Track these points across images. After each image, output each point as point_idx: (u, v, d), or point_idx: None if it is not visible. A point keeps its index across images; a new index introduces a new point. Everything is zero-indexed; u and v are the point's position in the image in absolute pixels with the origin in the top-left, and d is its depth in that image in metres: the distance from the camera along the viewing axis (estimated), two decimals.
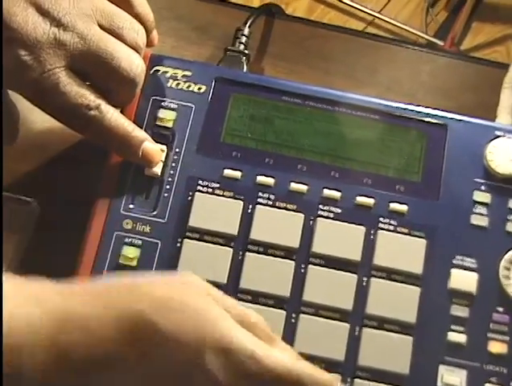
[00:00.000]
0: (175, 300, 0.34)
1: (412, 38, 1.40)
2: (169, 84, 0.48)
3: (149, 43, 0.48)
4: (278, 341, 0.37)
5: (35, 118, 0.50)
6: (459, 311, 0.44)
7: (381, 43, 0.60)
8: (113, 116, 0.44)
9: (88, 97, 0.43)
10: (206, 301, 0.35)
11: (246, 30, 0.54)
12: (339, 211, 0.46)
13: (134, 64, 0.44)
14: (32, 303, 0.32)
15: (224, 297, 0.37)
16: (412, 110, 0.49)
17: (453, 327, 0.44)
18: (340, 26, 0.61)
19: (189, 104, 0.48)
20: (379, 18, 1.43)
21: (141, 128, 0.46)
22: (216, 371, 0.33)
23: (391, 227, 0.46)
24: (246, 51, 0.53)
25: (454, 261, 0.45)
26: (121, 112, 0.47)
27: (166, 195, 0.46)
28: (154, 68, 0.49)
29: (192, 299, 0.35)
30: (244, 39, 0.54)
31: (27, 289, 0.33)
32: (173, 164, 0.47)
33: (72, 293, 0.34)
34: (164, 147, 0.47)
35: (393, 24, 1.41)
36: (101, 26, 0.43)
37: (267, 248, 0.45)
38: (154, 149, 0.46)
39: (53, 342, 0.32)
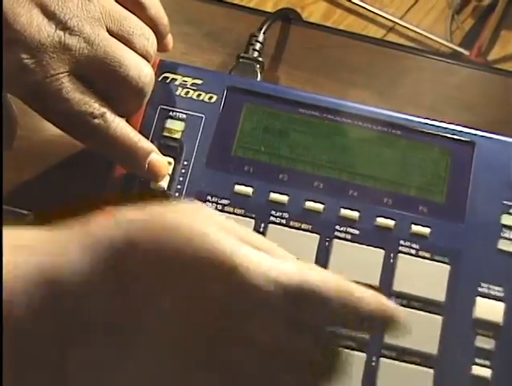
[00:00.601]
0: (168, 222, 0.32)
1: (435, 46, 1.40)
2: (178, 93, 0.49)
3: (163, 48, 0.49)
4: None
5: (35, 125, 0.51)
6: (484, 343, 0.44)
7: (403, 52, 0.61)
8: (118, 125, 0.44)
9: (93, 105, 0.43)
10: (203, 222, 0.33)
11: (261, 37, 0.55)
12: (357, 232, 0.46)
13: (142, 73, 0.44)
14: (24, 251, 0.31)
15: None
16: (436, 126, 0.49)
17: (478, 360, 0.44)
18: (361, 34, 0.61)
19: (199, 115, 0.49)
20: (400, 24, 1.43)
21: (147, 139, 0.47)
22: (220, 293, 0.31)
23: (412, 251, 0.46)
24: (260, 59, 0.54)
25: (479, 289, 0.45)
26: (127, 121, 0.47)
27: None
28: (163, 75, 0.50)
29: (187, 219, 0.32)
30: (258, 46, 0.55)
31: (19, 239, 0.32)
32: (181, 178, 0.47)
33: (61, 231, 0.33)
34: (171, 160, 0.47)
35: (415, 31, 1.42)
36: (110, 31, 0.44)
37: None
38: (161, 162, 0.46)
39: (41, 272, 0.30)
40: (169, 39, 0.50)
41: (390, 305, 0.34)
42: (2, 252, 0.31)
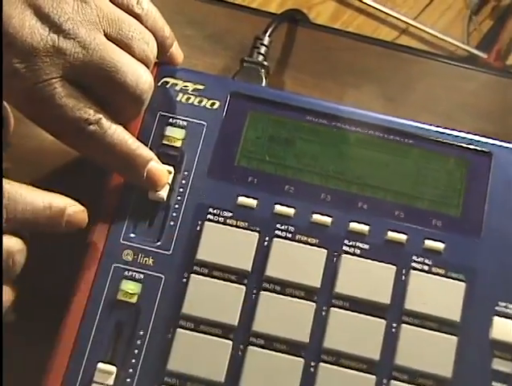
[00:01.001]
0: None
1: (451, 49, 1.41)
2: (178, 98, 0.50)
3: (170, 61, 0.50)
4: None
5: (27, 132, 0.52)
6: (501, 365, 0.45)
7: (416, 56, 0.61)
8: (115, 132, 0.45)
9: (88, 111, 0.44)
10: None
11: (266, 40, 0.56)
12: (367, 247, 0.47)
13: (141, 80, 0.45)
14: None
15: None
16: (451, 135, 0.50)
17: (495, 384, 0.44)
18: (372, 36, 0.62)
19: (200, 122, 0.49)
20: (414, 25, 1.44)
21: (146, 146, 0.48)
22: None
23: (426, 267, 0.47)
24: (266, 63, 0.55)
25: (497, 308, 0.46)
26: (124, 128, 0.48)
27: (172, 223, 0.47)
28: (163, 80, 0.50)
29: None
30: (263, 49, 0.55)
31: None
32: (181, 189, 0.48)
33: None
34: (172, 169, 0.48)
35: (429, 33, 1.43)
36: (107, 35, 0.45)
37: (285, 287, 0.46)
38: (161, 171, 0.47)
39: None
40: (175, 52, 0.50)
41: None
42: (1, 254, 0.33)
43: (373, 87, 0.58)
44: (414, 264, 0.47)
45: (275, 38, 0.57)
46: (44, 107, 0.44)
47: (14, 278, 0.43)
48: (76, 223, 0.45)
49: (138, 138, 0.47)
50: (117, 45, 0.45)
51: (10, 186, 0.42)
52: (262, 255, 0.46)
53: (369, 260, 0.46)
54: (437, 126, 0.50)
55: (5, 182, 0.42)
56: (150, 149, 0.48)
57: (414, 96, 0.58)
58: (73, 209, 0.45)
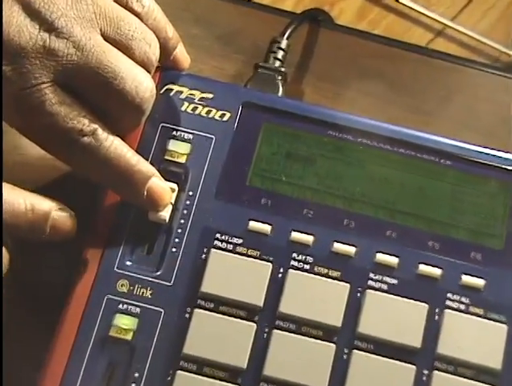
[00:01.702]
0: None
1: (494, 54, 1.41)
2: (183, 108, 0.50)
3: (174, 65, 0.51)
4: None
5: (10, 144, 0.52)
6: None
7: (454, 64, 0.62)
8: (112, 144, 0.45)
9: (82, 120, 0.44)
10: None
11: (284, 43, 0.56)
12: (395, 282, 0.47)
13: (141, 86, 0.45)
14: None
15: None
16: (494, 155, 0.50)
17: None
18: (405, 41, 0.62)
19: (208, 135, 0.50)
20: (451, 27, 1.44)
21: None
22: None
23: (462, 307, 0.47)
24: (283, 69, 0.55)
25: None
26: (121, 140, 0.48)
27: (174, 249, 0.47)
28: (166, 87, 0.51)
29: None
30: (280, 54, 0.56)
31: None
32: (184, 211, 0.48)
33: None
34: (175, 186, 0.48)
35: (469, 36, 1.43)
36: (105, 35, 0.45)
37: (301, 326, 0.46)
38: (163, 188, 0.47)
39: None
40: (179, 55, 0.51)
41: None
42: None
43: (404, 98, 0.59)
44: (449, 303, 0.47)
45: (294, 41, 0.57)
46: (32, 115, 0.44)
47: None
48: (62, 230, 0.45)
49: (137, 152, 0.48)
50: (115, 46, 0.45)
51: None
52: (276, 288, 0.47)
53: (397, 297, 0.47)
54: (478, 145, 0.50)
55: None
56: (151, 165, 0.48)
57: (451, 110, 0.59)
58: (59, 213, 0.45)
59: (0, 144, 0.43)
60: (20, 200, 0.44)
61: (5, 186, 0.44)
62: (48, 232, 0.45)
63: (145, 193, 0.46)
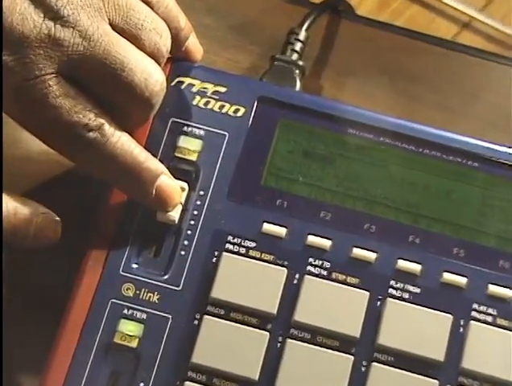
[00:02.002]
0: None
1: None
2: (195, 102, 0.50)
3: (186, 56, 0.51)
4: None
5: (15, 137, 0.52)
6: None
7: (483, 59, 0.61)
8: (119, 140, 0.45)
9: (87, 114, 0.44)
10: None
11: (302, 34, 0.56)
12: (417, 290, 0.47)
13: (151, 79, 0.45)
14: None
15: None
16: None
17: None
18: (431, 34, 0.62)
19: (221, 132, 0.50)
20: (478, 19, 1.44)
21: None
22: None
23: (489, 319, 0.47)
24: (301, 62, 0.55)
25: None
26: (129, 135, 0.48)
27: (183, 253, 0.47)
28: (177, 80, 0.51)
29: None
30: (298, 46, 0.56)
31: None
32: (195, 212, 0.48)
33: None
34: (185, 185, 0.48)
35: (498, 30, 1.42)
36: (113, 25, 0.45)
37: (316, 335, 0.46)
38: (173, 187, 0.47)
39: None
40: (192, 46, 0.51)
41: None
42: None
43: (429, 95, 0.59)
44: (474, 314, 0.47)
45: (313, 32, 0.57)
46: (35, 108, 0.44)
47: None
48: (45, 237, 0.46)
49: (145, 149, 0.48)
50: (123, 36, 0.45)
51: None
52: (291, 295, 0.47)
53: (419, 307, 0.46)
54: (507, 146, 0.50)
55: None
56: (161, 162, 0.48)
57: (478, 108, 0.59)
58: (42, 218, 0.45)
59: (0, 144, 0.43)
60: (3, 204, 0.44)
61: None
62: (32, 238, 0.45)
63: (153, 192, 0.46)
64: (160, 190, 0.46)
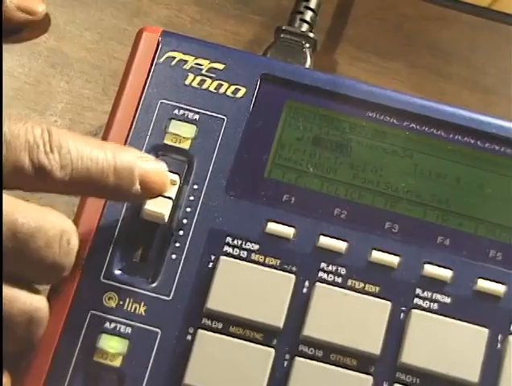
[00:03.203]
0: None
1: None
2: (188, 81, 0.50)
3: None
4: None
5: None
6: None
7: None
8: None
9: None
10: None
11: (313, 1, 0.56)
12: (447, 300, 0.47)
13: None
14: None
15: None
16: None
17: None
18: (463, 1, 0.62)
19: (218, 116, 0.50)
20: None
21: (140, 148, 0.48)
22: None
23: None
24: (312, 35, 0.55)
25: None
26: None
27: (174, 256, 0.47)
28: (167, 55, 0.51)
29: None
30: (309, 15, 0.56)
31: None
32: (188, 208, 0.48)
33: None
34: (176, 177, 0.48)
35: None
36: None
37: (329, 353, 0.46)
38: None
39: None
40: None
41: None
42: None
43: (462, 73, 0.59)
44: None
45: (326, 0, 0.58)
46: None
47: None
48: (153, 186, 0.46)
49: (129, 136, 0.48)
50: None
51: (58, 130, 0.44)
52: (300, 306, 0.47)
53: (450, 319, 0.47)
54: None
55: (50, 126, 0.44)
56: (147, 151, 0.48)
57: None
58: (150, 166, 0.46)
59: (0, 143, 0.44)
60: (101, 152, 0.45)
61: (84, 138, 0.45)
62: (139, 190, 0.46)
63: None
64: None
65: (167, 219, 0.48)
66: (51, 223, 0.43)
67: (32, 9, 0.59)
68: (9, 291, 0.43)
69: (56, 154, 0.43)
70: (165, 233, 0.48)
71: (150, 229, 0.48)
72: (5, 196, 0.42)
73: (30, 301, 0.43)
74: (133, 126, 0.49)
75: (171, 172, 0.48)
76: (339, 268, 0.47)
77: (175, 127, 0.49)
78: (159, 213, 0.48)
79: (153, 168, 0.47)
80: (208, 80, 0.50)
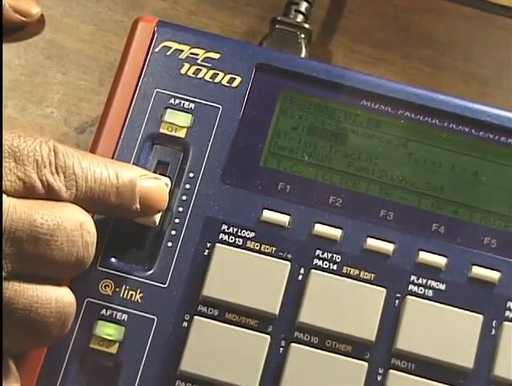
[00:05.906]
0: None
1: None
2: (184, 71, 0.51)
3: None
4: None
5: None
6: None
7: None
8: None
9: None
10: None
11: None
12: (442, 287, 0.48)
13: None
14: None
15: None
16: None
17: None
18: None
19: (214, 105, 0.50)
20: None
21: (136, 138, 0.49)
22: None
23: None
24: (307, 26, 0.55)
25: None
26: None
27: (170, 244, 0.48)
28: (163, 44, 0.51)
29: None
30: (304, 6, 0.56)
31: None
32: (184, 196, 0.49)
33: None
34: (168, 180, 0.48)
35: None
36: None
37: (325, 339, 0.47)
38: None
39: None
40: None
41: None
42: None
43: (459, 64, 0.59)
44: (508, 314, 0.47)
45: None
46: None
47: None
48: (152, 204, 0.47)
49: (125, 125, 0.49)
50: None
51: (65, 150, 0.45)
52: (295, 293, 0.47)
53: (444, 306, 0.47)
54: None
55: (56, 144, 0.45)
56: (144, 142, 0.49)
57: None
58: (149, 183, 0.47)
59: (0, 141, 0.44)
60: (105, 171, 0.45)
61: (88, 156, 0.46)
62: (138, 208, 0.46)
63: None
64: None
65: (157, 223, 0.48)
66: (67, 217, 0.43)
67: (28, 11, 0.60)
68: (42, 294, 0.43)
69: (62, 175, 0.44)
70: (161, 221, 0.48)
71: None
72: (15, 200, 0.43)
73: (62, 298, 0.44)
74: (129, 115, 0.50)
75: (164, 163, 0.49)
76: (334, 256, 0.48)
77: (171, 116, 0.50)
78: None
79: (153, 186, 0.47)
80: (204, 70, 0.51)
